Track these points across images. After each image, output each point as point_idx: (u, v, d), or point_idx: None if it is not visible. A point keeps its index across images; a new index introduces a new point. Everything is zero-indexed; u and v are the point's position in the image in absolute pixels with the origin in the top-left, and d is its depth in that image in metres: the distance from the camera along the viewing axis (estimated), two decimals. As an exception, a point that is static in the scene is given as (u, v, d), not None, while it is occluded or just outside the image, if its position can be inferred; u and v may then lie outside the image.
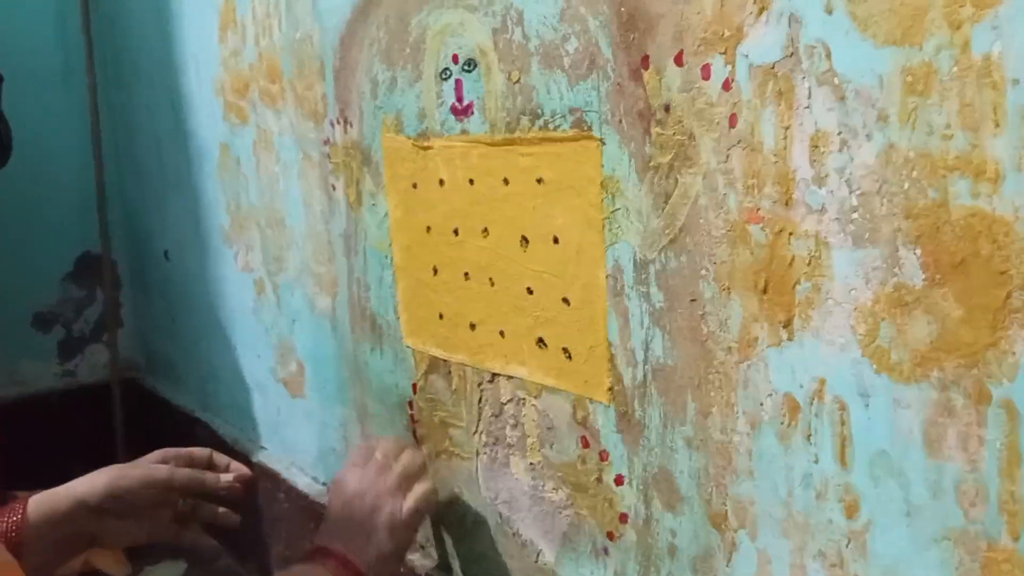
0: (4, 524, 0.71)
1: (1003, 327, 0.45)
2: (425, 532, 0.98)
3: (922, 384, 0.49)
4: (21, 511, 0.72)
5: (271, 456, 1.32)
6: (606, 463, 0.72)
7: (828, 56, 0.51)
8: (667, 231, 0.63)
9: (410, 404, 0.96)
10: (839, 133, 0.51)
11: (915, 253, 0.48)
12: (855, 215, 0.51)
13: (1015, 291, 0.44)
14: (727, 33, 0.56)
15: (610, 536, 0.73)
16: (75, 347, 1.81)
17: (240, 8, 1.16)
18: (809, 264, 0.54)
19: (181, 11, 1.34)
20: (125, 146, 1.68)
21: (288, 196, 1.14)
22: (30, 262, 1.71)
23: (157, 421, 1.68)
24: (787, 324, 0.56)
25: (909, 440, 0.50)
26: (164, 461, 0.84)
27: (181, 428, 1.57)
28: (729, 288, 0.59)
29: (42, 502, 0.74)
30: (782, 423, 0.57)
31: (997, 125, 0.44)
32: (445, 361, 0.89)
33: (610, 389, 0.70)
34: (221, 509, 0.90)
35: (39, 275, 1.74)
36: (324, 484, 1.19)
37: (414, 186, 0.89)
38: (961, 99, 0.45)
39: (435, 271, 0.88)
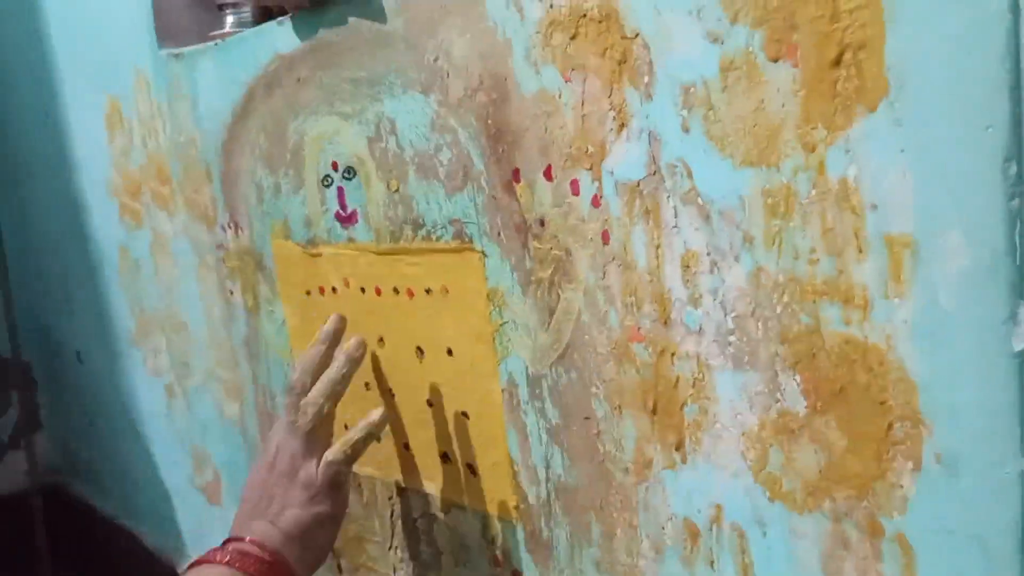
0: None
1: (888, 459, 0.43)
2: (352, 648, 0.93)
3: (816, 514, 0.47)
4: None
5: (196, 566, 1.26)
6: (519, 584, 0.69)
7: (690, 175, 0.49)
8: (555, 346, 0.60)
9: (325, 516, 0.91)
10: (708, 254, 0.49)
11: (795, 379, 0.46)
12: (732, 338, 0.49)
13: (895, 422, 0.42)
14: (591, 149, 0.54)
15: (531, 660, 0.69)
16: (-7, 456, 1.73)
17: (125, 109, 1.12)
18: (694, 386, 0.52)
19: (67, 112, 1.29)
20: (26, 248, 1.61)
21: (188, 300, 1.10)
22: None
23: (79, 528, 1.61)
24: (679, 447, 0.53)
25: (809, 572, 0.48)
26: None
27: (103, 536, 1.51)
28: (620, 407, 0.57)
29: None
30: (685, 549, 0.55)
31: (860, 251, 0.42)
32: (355, 474, 0.85)
33: (516, 507, 0.67)
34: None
35: (-53, 383, 1.67)
36: (250, 596, 1.13)
37: (308, 293, 0.85)
38: (823, 223, 0.44)
39: (336, 381, 0.84)
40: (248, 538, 0.68)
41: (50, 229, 1.49)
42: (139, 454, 1.37)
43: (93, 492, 1.60)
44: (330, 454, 0.70)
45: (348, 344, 0.72)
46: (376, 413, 0.71)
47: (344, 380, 0.71)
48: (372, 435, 0.71)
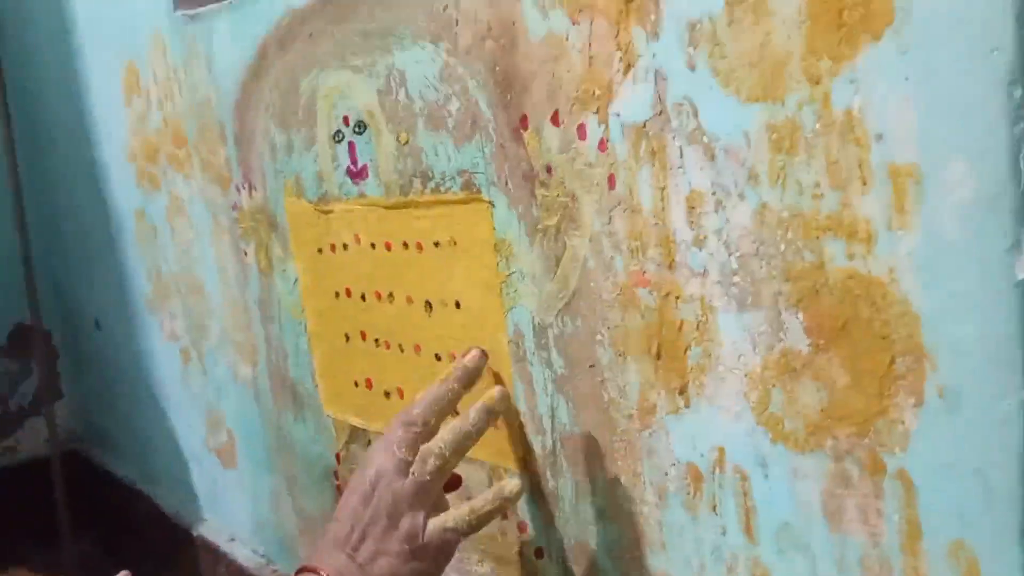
0: None
1: (889, 394, 0.43)
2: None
3: (817, 454, 0.47)
4: None
5: (211, 528, 1.27)
6: (525, 535, 0.69)
7: (695, 114, 0.49)
8: (561, 295, 0.60)
9: (335, 474, 0.92)
10: (713, 193, 0.49)
11: (798, 317, 0.46)
12: (736, 278, 0.49)
13: (897, 357, 0.42)
14: (598, 91, 0.54)
15: (535, 611, 0.70)
16: (14, 422, 1.75)
17: (142, 72, 1.13)
18: (698, 329, 0.51)
19: (87, 77, 1.30)
20: (47, 215, 1.63)
21: (204, 262, 1.10)
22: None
23: (98, 493, 1.63)
24: (682, 391, 0.53)
25: (810, 512, 0.48)
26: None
27: (121, 500, 1.53)
28: (624, 353, 0.57)
29: None
30: (688, 494, 0.55)
31: (864, 183, 0.42)
32: (364, 430, 0.86)
33: (522, 458, 0.67)
34: None
35: (-31, 351, 1.69)
36: (264, 556, 1.14)
37: (319, 251, 0.85)
38: (827, 156, 0.43)
39: (347, 338, 0.85)
40: (324, 572, 0.60)
41: (70, 197, 1.50)
42: (155, 419, 1.38)
43: (111, 457, 1.62)
44: (453, 521, 0.62)
45: (490, 395, 0.65)
46: (513, 485, 0.64)
47: (477, 436, 0.64)
48: (503, 509, 0.64)
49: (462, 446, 0.63)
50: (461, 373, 0.65)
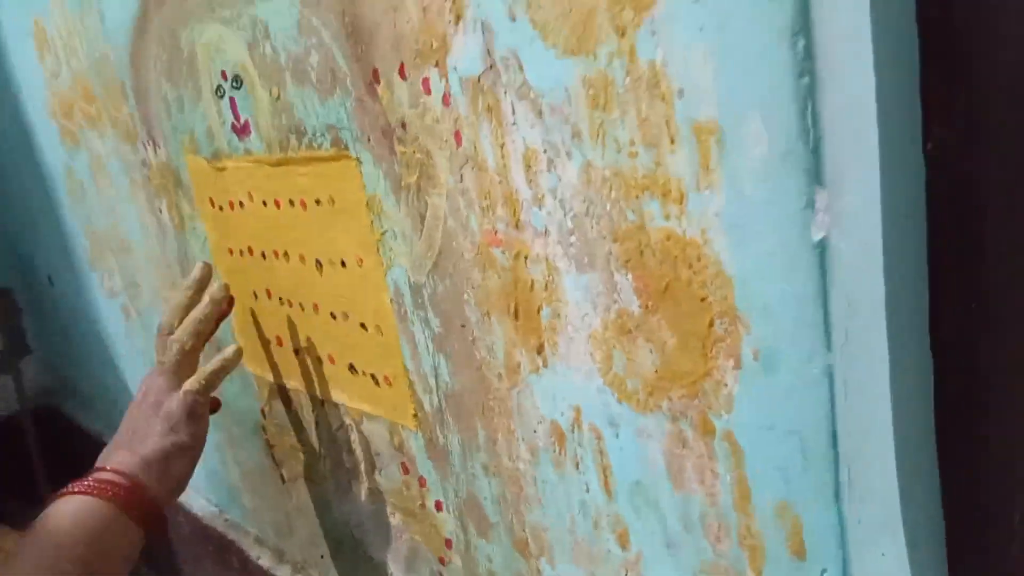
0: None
1: (712, 356, 0.41)
2: (303, 554, 0.95)
3: (656, 414, 0.46)
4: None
5: (171, 479, 1.29)
6: (425, 489, 0.69)
7: (520, 68, 0.46)
8: (429, 254, 0.59)
9: (263, 429, 0.92)
10: (544, 151, 0.47)
11: (627, 278, 0.44)
12: (573, 238, 0.47)
13: (716, 319, 0.41)
14: (435, 44, 0.51)
15: (441, 561, 0.70)
16: (-16, 380, 1.76)
17: (49, 28, 1.09)
18: (546, 289, 0.50)
19: (3, 36, 1.26)
20: (-8, 173, 1.61)
21: (127, 220, 1.09)
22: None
23: (70, 447, 1.64)
24: (540, 350, 0.52)
25: (656, 471, 0.47)
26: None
27: (92, 453, 1.54)
28: (488, 313, 0.55)
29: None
30: (554, 451, 0.54)
31: (672, 141, 0.40)
32: (282, 387, 0.85)
33: (415, 415, 0.67)
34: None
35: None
36: (216, 506, 1.16)
37: (220, 208, 0.84)
38: (638, 113, 0.41)
39: (255, 296, 0.84)
40: (108, 467, 0.70)
41: (9, 155, 1.47)
42: (112, 374, 1.38)
43: (81, 411, 1.64)
44: (186, 384, 0.74)
45: (212, 287, 0.77)
46: (230, 349, 0.76)
47: (207, 320, 0.76)
48: (226, 368, 0.75)
49: (196, 329, 0.75)
50: (190, 282, 0.78)
